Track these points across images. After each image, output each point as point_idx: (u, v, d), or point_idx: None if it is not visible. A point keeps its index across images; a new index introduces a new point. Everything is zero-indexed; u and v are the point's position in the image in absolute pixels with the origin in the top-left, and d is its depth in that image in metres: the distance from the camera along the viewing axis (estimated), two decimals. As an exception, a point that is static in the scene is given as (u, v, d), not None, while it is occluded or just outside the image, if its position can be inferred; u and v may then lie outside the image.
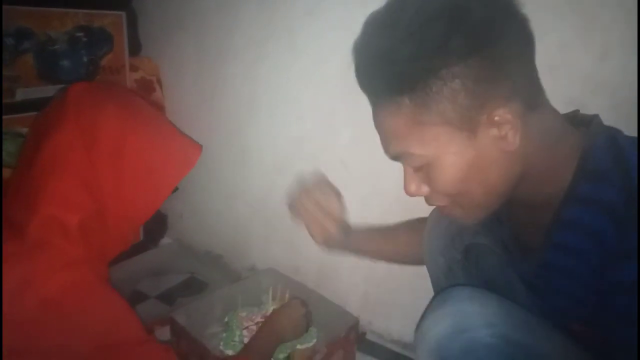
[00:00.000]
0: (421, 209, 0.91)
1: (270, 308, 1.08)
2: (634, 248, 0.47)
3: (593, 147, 0.54)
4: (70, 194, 0.71)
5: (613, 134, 0.56)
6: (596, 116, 0.59)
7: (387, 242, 0.91)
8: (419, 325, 0.59)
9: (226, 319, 1.07)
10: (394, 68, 0.54)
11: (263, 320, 1.04)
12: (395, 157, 0.61)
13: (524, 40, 0.55)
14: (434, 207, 0.81)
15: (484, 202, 0.59)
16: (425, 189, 0.61)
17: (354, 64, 0.60)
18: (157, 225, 1.50)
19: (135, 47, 1.37)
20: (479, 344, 0.52)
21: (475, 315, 0.55)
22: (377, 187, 1.08)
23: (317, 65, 1.12)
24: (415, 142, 0.56)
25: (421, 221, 0.85)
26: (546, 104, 0.58)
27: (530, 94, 0.56)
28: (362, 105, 1.06)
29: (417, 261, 0.84)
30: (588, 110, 0.62)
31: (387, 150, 0.61)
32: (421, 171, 0.59)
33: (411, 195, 0.61)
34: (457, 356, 0.53)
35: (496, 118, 0.53)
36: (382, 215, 1.08)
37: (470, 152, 0.55)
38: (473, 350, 0.52)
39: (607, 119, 0.59)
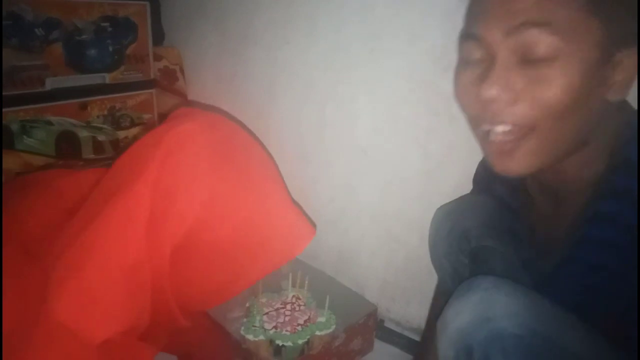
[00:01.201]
0: (443, 195, 0.90)
1: (290, 294, 1.09)
2: None
3: (630, 137, 0.50)
4: (102, 309, 0.55)
5: None
6: (625, 101, 0.55)
7: None
8: (441, 314, 0.57)
9: (247, 304, 1.09)
10: None
11: (282, 306, 1.06)
12: (514, 29, 0.48)
13: None
14: (439, 208, 0.80)
15: (550, 149, 0.51)
16: (507, 95, 0.48)
17: None
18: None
19: (158, 37, 1.39)
20: (504, 334, 0.49)
21: (500, 304, 0.51)
22: (397, 174, 1.08)
23: (337, 51, 1.11)
24: (564, 19, 0.46)
25: None
26: None
27: None
28: (381, 91, 1.06)
29: None
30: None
31: (509, 15, 0.48)
32: (527, 68, 0.48)
33: (487, 98, 0.49)
34: (482, 345, 0.49)
35: (625, 60, 0.48)
36: (403, 202, 1.08)
37: (592, 76, 0.47)
38: (498, 339, 0.49)
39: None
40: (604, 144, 0.52)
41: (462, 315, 0.53)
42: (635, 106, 0.57)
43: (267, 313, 1.04)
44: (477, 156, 0.92)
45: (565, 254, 0.56)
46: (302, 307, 1.06)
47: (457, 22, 0.58)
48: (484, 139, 0.54)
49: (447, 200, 0.82)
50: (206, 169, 0.63)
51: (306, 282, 1.10)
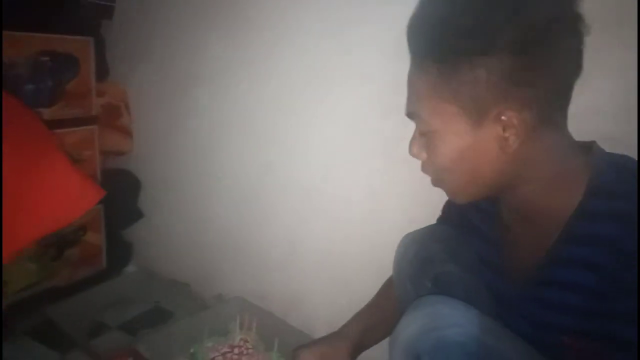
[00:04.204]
0: (385, 234, 0.93)
1: (238, 337, 1.06)
2: None
3: (601, 170, 0.57)
4: None
5: (617, 159, 0.58)
6: (594, 143, 0.62)
7: (382, 321, 0.86)
8: (393, 330, 0.62)
9: (192, 350, 1.04)
10: (437, 36, 0.56)
11: (229, 350, 1.03)
12: (408, 115, 0.64)
13: (571, 59, 0.56)
14: (406, 234, 0.83)
15: (465, 189, 0.63)
16: (424, 155, 0.64)
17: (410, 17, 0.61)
18: (121, 253, 1.46)
19: (102, 72, 1.35)
20: (448, 342, 0.55)
21: (444, 316, 0.58)
22: (344, 214, 1.10)
23: (286, 92, 1.14)
24: (426, 109, 0.60)
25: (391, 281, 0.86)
26: (562, 125, 0.60)
27: (550, 110, 0.57)
28: (330, 132, 1.09)
29: None
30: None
31: (406, 105, 0.64)
32: (425, 137, 0.62)
33: (413, 155, 0.65)
34: (429, 353, 0.55)
35: (503, 118, 0.56)
36: (349, 242, 1.09)
37: (469, 139, 0.58)
38: (443, 347, 0.55)
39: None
40: (576, 175, 0.58)
41: (411, 327, 0.59)
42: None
43: (213, 358, 1.01)
44: (417, 196, 0.96)
45: (541, 276, 0.60)
46: (250, 351, 1.04)
47: (401, 69, 0.63)
48: None
49: (391, 240, 0.84)
50: None
51: (254, 324, 1.08)
